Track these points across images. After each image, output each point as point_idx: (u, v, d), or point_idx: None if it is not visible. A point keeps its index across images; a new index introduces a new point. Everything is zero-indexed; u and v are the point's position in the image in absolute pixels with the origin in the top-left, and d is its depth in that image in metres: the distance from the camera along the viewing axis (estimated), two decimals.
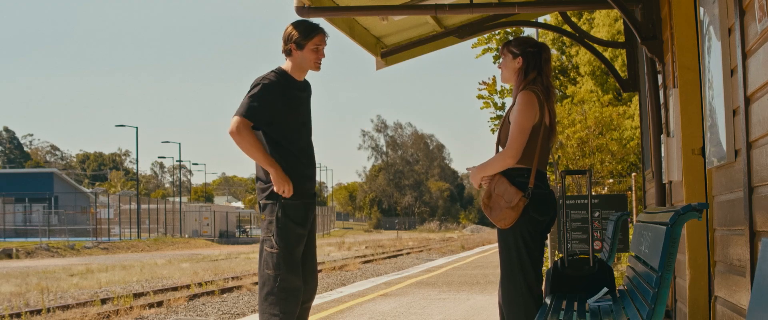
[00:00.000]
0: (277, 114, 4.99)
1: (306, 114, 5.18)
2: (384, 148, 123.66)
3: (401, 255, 34.43)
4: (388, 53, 8.25)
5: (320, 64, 5.08)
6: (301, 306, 5.15)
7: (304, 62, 5.06)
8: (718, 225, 4.62)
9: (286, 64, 5.13)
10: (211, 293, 17.11)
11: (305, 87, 5.17)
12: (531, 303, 4.65)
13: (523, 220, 4.60)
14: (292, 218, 5.07)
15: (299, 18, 5.49)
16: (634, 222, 7.62)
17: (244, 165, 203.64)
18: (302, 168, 5.13)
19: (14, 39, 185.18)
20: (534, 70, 4.70)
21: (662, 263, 3.08)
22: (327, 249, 41.52)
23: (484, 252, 28.92)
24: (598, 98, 24.63)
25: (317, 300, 11.45)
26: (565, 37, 20.60)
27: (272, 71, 5.09)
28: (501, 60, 4.83)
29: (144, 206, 62.91)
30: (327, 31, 5.14)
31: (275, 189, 4.96)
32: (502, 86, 13.36)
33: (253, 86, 5.04)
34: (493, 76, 13.29)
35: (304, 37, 5.01)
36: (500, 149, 4.73)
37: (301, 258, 5.17)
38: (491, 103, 13.31)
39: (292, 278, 5.03)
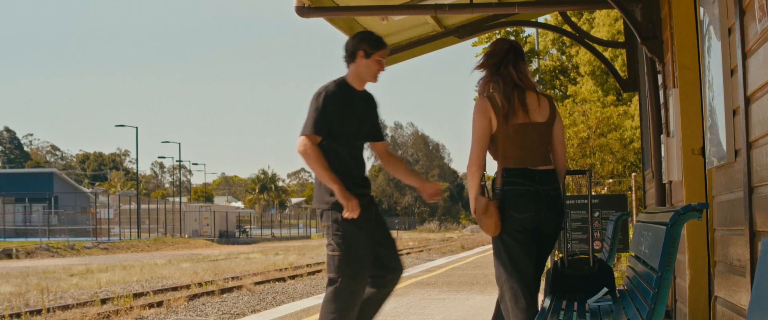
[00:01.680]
0: (336, 122, 5.12)
1: (364, 122, 5.26)
2: None
3: (401, 255, 34.33)
4: (388, 53, 8.24)
5: (376, 77, 5.24)
6: (380, 291, 5.29)
7: (366, 72, 5.19)
8: (718, 225, 4.62)
9: (347, 74, 5.26)
10: (211, 293, 17.11)
11: (365, 97, 5.29)
12: (514, 307, 4.59)
13: (504, 222, 4.60)
14: (349, 220, 5.14)
15: (367, 31, 5.51)
16: (634, 222, 7.62)
17: (244, 166, 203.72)
18: (357, 172, 5.23)
19: (14, 39, 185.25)
20: (498, 76, 4.72)
21: (662, 263, 3.07)
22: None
23: (484, 252, 28.91)
24: (599, 98, 24.64)
25: (317, 301, 11.45)
26: (565, 37, 20.60)
27: (333, 81, 5.22)
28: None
29: (144, 206, 62.92)
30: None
31: (344, 211, 5.06)
32: None
33: (316, 97, 5.16)
34: None
35: (373, 48, 5.17)
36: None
37: (379, 250, 5.24)
38: None
39: (351, 281, 5.12)
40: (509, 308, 4.61)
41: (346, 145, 5.17)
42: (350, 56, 5.21)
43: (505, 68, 4.71)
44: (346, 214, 5.03)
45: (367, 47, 5.15)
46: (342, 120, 5.12)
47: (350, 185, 5.11)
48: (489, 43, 4.98)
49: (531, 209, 4.59)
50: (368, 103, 5.31)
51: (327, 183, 5.06)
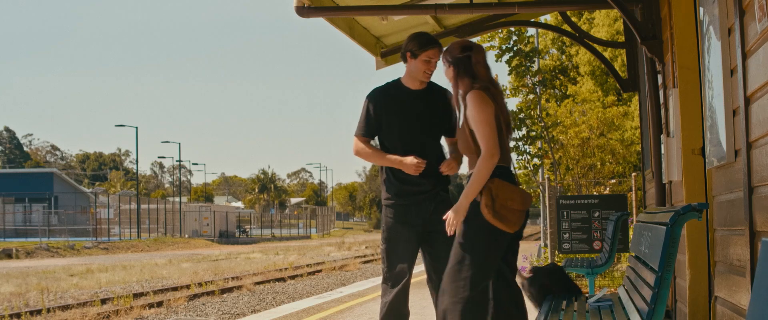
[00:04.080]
0: (384, 121, 5.29)
1: (415, 118, 5.31)
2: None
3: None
4: (388, 53, 8.24)
5: (430, 75, 5.28)
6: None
7: (416, 72, 5.26)
8: (718, 225, 4.62)
9: (404, 74, 5.41)
10: (211, 293, 17.11)
11: (421, 94, 5.33)
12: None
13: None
14: (393, 217, 5.28)
15: (418, 32, 5.52)
16: (634, 222, 7.61)
17: (245, 166, 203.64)
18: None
19: (15, 39, 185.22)
20: (466, 74, 4.69)
21: (662, 263, 3.07)
22: (327, 249, 41.53)
23: None
24: (599, 98, 24.63)
25: (317, 300, 11.45)
26: (565, 37, 20.59)
27: (387, 82, 5.40)
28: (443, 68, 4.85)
29: (144, 206, 62.89)
30: (442, 48, 5.28)
31: (408, 171, 5.19)
32: (502, 85, 13.39)
33: (365, 99, 5.41)
34: (495, 75, 13.31)
35: (419, 48, 5.23)
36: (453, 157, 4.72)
37: (434, 254, 5.28)
38: None
39: (391, 273, 5.26)
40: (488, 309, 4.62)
41: (399, 142, 5.26)
42: (402, 57, 5.35)
43: (478, 68, 4.71)
44: (407, 169, 5.16)
45: (414, 47, 5.24)
46: (389, 119, 5.26)
47: (400, 181, 5.23)
48: (448, 46, 4.90)
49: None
50: (428, 100, 5.33)
51: (389, 164, 5.25)
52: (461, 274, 4.52)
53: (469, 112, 4.60)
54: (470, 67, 4.71)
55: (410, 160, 5.16)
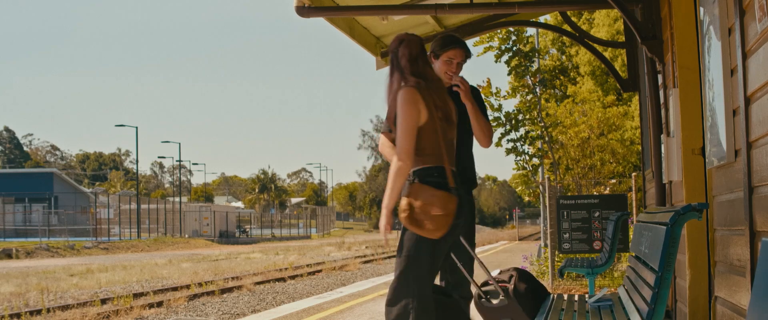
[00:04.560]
0: None
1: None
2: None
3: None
4: (388, 53, 8.24)
5: (452, 75, 5.22)
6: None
7: (438, 72, 5.23)
8: (718, 225, 4.62)
9: None
10: (211, 293, 17.11)
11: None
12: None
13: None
14: None
15: (443, 33, 5.52)
16: (634, 222, 7.62)
17: (244, 166, 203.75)
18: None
19: (15, 39, 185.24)
20: (395, 69, 4.52)
21: (662, 263, 3.07)
22: (327, 249, 41.52)
23: (484, 252, 28.92)
24: (599, 98, 24.64)
25: (317, 301, 11.45)
26: (565, 37, 20.61)
27: None
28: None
29: (144, 206, 62.89)
30: (466, 48, 5.24)
31: None
32: (497, 88, 13.39)
33: None
34: (488, 79, 13.31)
35: (441, 48, 5.22)
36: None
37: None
38: (488, 106, 13.32)
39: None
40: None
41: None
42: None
43: (402, 61, 4.55)
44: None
45: (436, 48, 5.25)
46: None
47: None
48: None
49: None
50: (455, 101, 5.25)
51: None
52: (392, 285, 4.41)
53: (396, 110, 4.42)
54: (396, 60, 4.56)
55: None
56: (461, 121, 5.26)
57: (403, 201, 4.25)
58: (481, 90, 13.22)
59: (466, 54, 5.22)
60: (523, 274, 5.00)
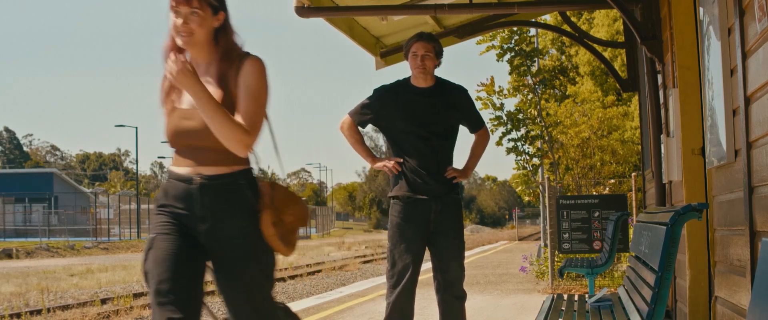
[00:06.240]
0: (387, 116, 5.30)
1: (416, 115, 5.27)
2: (383, 148, 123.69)
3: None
4: (388, 53, 8.24)
5: (420, 70, 5.23)
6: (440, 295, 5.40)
7: (411, 68, 5.30)
8: (718, 225, 4.62)
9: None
10: (210, 293, 17.09)
11: (427, 92, 5.30)
12: None
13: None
14: (397, 214, 5.27)
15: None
16: (634, 223, 7.62)
17: None
18: (410, 166, 5.27)
19: (15, 39, 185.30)
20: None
21: (662, 263, 3.07)
22: (327, 249, 41.53)
23: (484, 252, 28.91)
24: (599, 98, 24.64)
25: (317, 301, 11.45)
26: (564, 37, 20.60)
27: (397, 80, 5.43)
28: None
29: (144, 206, 62.86)
30: (431, 41, 5.26)
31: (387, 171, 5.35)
32: (500, 86, 13.39)
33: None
34: (491, 77, 13.30)
35: (406, 45, 5.29)
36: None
37: (437, 255, 5.29)
38: (490, 104, 13.31)
39: (393, 271, 5.32)
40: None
41: (402, 139, 5.26)
42: (404, 56, 5.42)
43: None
44: (380, 167, 5.32)
45: (405, 43, 5.31)
46: (389, 114, 5.27)
47: (405, 177, 5.23)
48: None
49: None
50: (433, 98, 5.28)
51: (362, 157, 5.43)
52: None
53: (251, 79, 3.48)
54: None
55: (385, 163, 5.26)
56: (435, 119, 5.25)
57: (265, 205, 3.46)
58: (484, 88, 13.23)
59: (432, 47, 5.22)
60: None
